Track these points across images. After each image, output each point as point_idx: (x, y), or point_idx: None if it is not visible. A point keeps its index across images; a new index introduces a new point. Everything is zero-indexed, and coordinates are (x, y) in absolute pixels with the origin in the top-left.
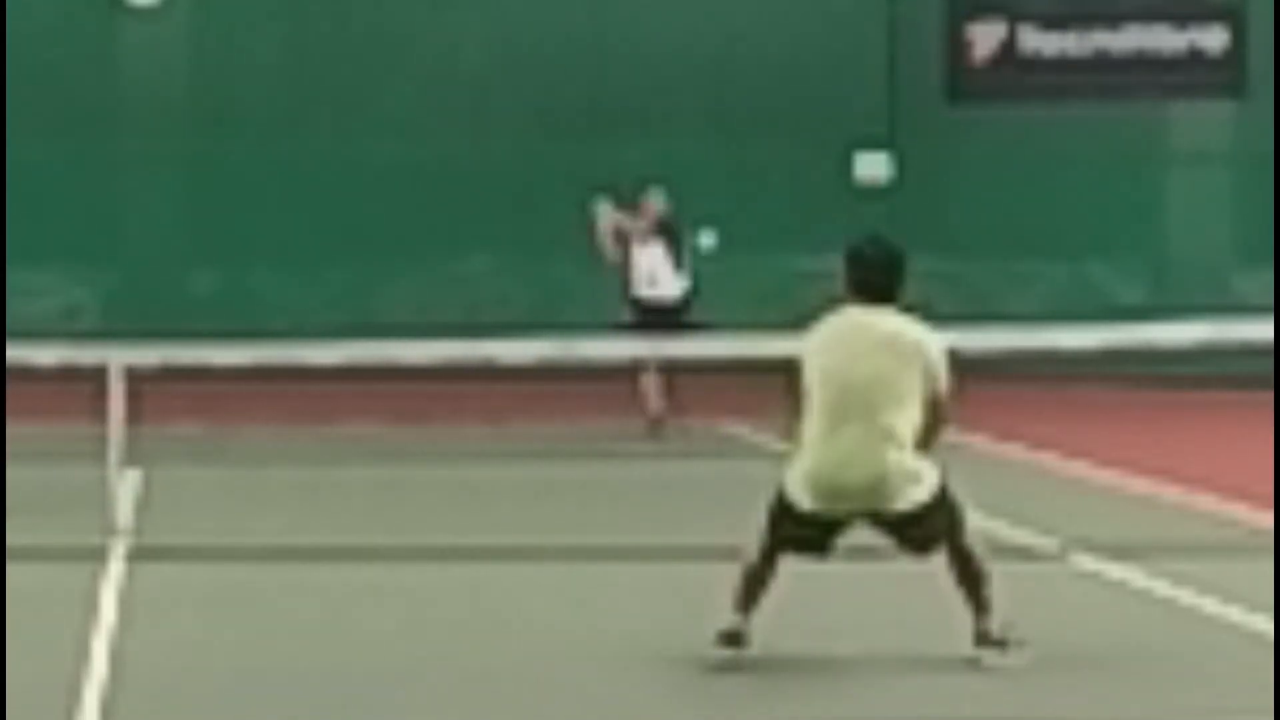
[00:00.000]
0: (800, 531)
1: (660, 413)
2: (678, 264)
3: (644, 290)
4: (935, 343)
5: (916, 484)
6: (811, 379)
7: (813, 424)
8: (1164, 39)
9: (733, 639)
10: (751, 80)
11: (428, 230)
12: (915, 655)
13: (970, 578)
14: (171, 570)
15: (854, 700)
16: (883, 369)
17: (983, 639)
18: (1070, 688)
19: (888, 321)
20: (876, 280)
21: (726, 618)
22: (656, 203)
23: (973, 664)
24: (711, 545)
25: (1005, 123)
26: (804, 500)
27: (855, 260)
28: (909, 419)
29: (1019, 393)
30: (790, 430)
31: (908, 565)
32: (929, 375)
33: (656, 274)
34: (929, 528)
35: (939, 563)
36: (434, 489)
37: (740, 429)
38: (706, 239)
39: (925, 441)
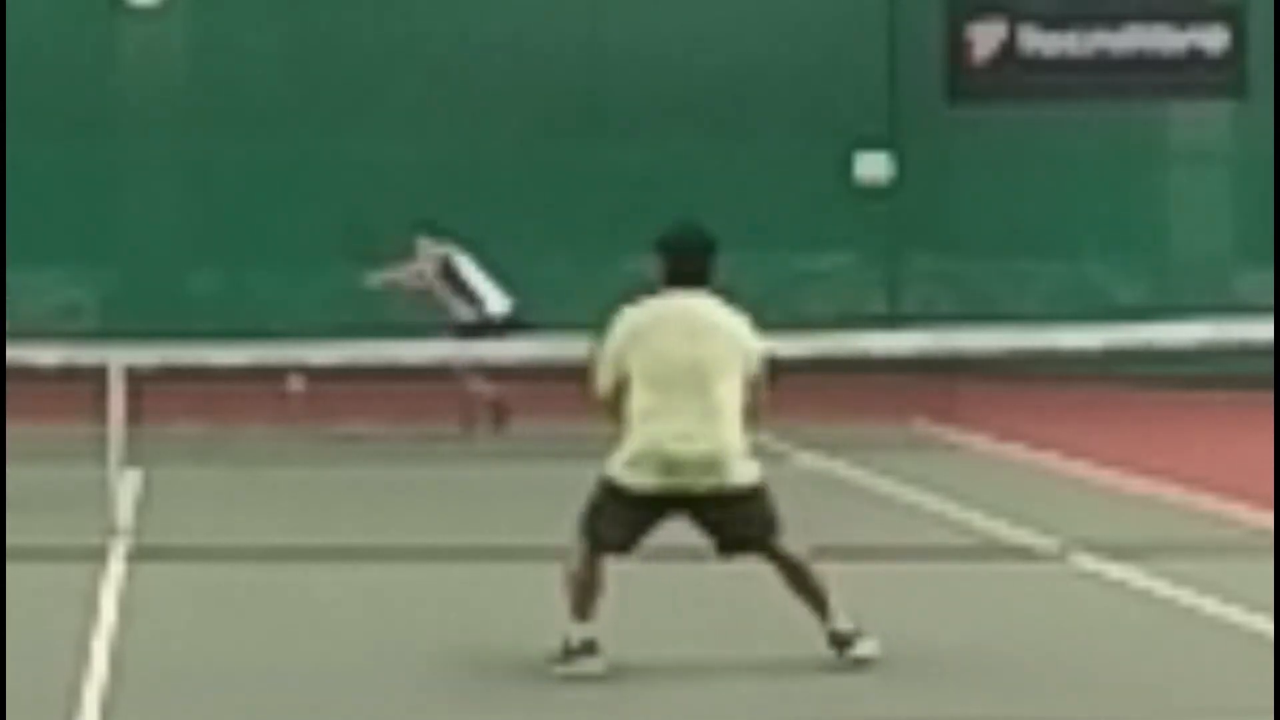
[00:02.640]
0: (624, 521)
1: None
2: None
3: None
4: (746, 327)
5: (748, 462)
6: (634, 363)
7: (640, 404)
8: (1164, 39)
9: (588, 648)
10: (751, 80)
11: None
12: (912, 655)
13: (800, 578)
14: (171, 570)
15: (851, 697)
16: (710, 349)
17: (835, 639)
18: (1070, 688)
19: (706, 305)
20: (691, 266)
21: (574, 629)
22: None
23: (848, 663)
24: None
25: (1005, 123)
26: (637, 479)
27: (669, 247)
28: (735, 399)
29: (1019, 393)
30: (620, 434)
31: (890, 566)
32: (746, 358)
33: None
34: (753, 511)
35: (920, 566)
36: (434, 489)
37: None
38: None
39: (748, 422)
